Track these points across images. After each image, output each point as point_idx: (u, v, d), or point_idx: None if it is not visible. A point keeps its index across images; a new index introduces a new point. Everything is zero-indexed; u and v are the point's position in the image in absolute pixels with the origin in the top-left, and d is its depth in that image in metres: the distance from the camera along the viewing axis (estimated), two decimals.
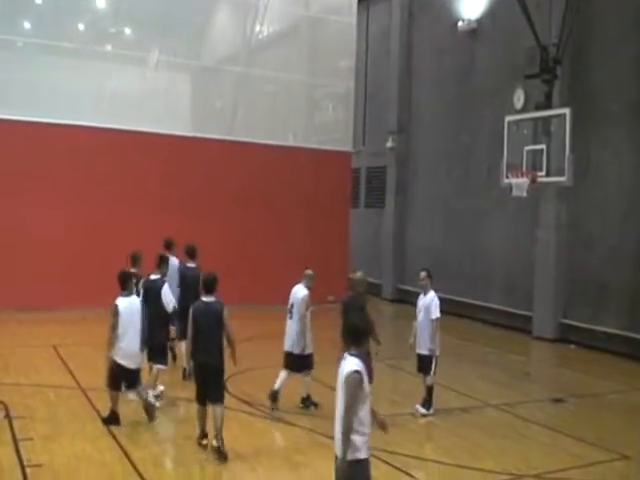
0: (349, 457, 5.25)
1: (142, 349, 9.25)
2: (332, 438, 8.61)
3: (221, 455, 7.87)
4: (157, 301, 9.93)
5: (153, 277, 10.30)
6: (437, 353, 10.03)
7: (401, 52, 22.79)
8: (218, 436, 7.95)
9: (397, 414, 10.06)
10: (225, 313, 8.17)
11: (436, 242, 21.04)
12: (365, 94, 24.09)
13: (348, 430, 5.26)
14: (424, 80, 22.14)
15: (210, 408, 8.15)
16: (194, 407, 8.41)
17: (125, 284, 9.07)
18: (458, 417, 10.26)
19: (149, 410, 9.14)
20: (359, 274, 10.35)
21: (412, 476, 7.83)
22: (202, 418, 8.24)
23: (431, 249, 21.03)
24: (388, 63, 23.33)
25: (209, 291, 8.27)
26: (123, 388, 9.06)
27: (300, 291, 10.07)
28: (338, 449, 5.36)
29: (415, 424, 9.86)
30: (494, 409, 10.70)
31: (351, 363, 5.32)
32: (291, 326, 10.03)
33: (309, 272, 10.20)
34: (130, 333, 8.89)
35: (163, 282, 10.21)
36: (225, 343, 8.20)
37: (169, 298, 10.05)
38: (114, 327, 8.79)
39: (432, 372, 10.02)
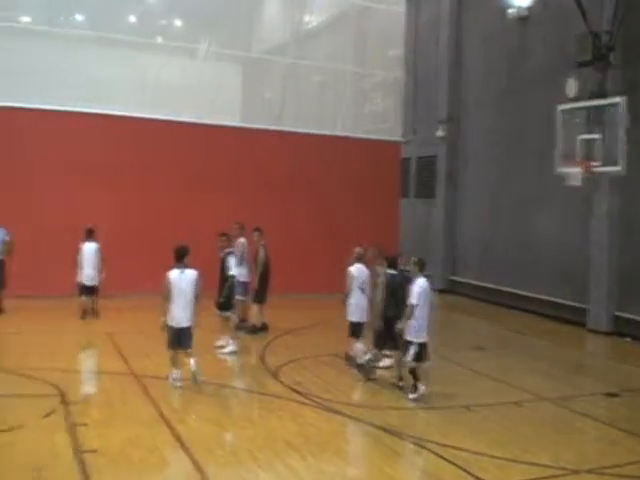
0: None
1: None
2: (379, 428, 8.71)
3: None
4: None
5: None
6: (412, 339, 9.98)
7: (450, 40, 22.51)
8: None
9: (450, 406, 10.03)
10: None
11: (486, 232, 20.80)
12: (415, 83, 23.84)
13: None
14: (474, 68, 21.86)
15: None
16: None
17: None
18: (511, 411, 10.09)
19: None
20: None
21: (465, 470, 7.74)
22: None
23: (481, 239, 20.81)
24: (437, 51, 23.06)
25: None
26: None
27: None
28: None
29: (468, 417, 9.73)
30: (547, 403, 10.54)
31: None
32: None
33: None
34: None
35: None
36: None
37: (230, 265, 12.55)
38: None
39: (409, 355, 10.00)
